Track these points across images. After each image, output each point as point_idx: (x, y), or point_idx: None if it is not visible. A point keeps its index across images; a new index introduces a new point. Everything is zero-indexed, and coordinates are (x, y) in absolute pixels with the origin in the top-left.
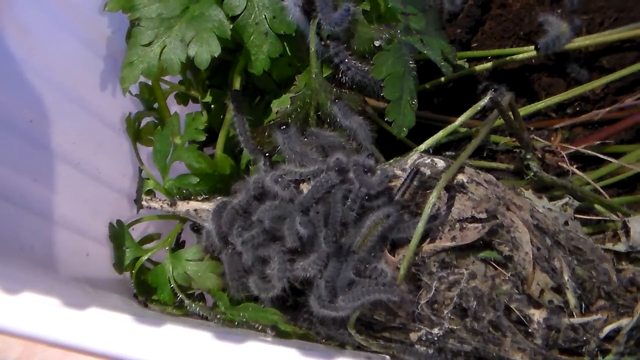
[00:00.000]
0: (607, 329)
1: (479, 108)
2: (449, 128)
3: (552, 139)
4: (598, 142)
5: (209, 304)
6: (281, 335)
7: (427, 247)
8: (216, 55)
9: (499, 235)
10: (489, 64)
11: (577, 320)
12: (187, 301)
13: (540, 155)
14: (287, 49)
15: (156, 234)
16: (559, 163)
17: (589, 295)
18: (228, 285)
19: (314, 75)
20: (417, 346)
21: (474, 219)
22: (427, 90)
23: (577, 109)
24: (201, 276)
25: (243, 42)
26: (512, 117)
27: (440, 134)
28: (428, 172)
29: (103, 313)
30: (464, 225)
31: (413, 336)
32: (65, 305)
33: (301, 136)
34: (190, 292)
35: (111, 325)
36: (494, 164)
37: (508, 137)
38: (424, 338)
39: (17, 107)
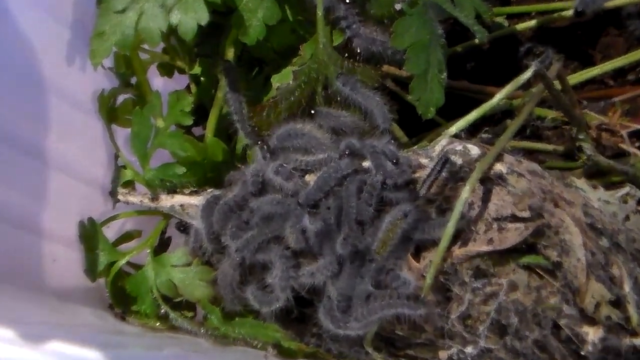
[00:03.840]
0: None
1: (520, 83)
2: (484, 107)
3: (610, 113)
4: None
5: (198, 316)
6: (285, 354)
7: (458, 251)
8: (203, 23)
9: (546, 238)
10: (532, 22)
11: None
12: (172, 314)
13: (595, 135)
14: (288, 12)
15: (136, 231)
16: (618, 144)
17: None
18: (221, 296)
19: (321, 45)
20: None
21: (514, 218)
22: (458, 54)
23: None
24: (189, 285)
25: (235, 5)
26: (560, 90)
27: (473, 115)
28: (459, 161)
29: (68, 351)
30: (503, 226)
31: (442, 355)
32: (21, 339)
33: (307, 117)
34: (177, 302)
35: None
36: (538, 145)
37: (556, 111)
38: (455, 357)
39: None
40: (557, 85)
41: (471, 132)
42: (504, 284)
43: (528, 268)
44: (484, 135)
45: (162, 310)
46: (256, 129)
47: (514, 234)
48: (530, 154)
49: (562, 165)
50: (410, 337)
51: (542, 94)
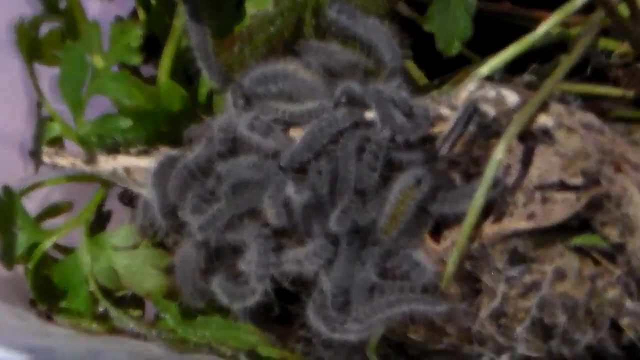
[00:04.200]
0: None
1: (577, 6)
2: (527, 39)
3: None
4: None
5: (149, 315)
6: None
7: (489, 229)
8: None
9: (604, 212)
10: None
11: None
12: (114, 311)
13: None
14: None
15: (65, 202)
16: None
17: None
18: (179, 288)
19: None
20: None
21: (563, 186)
22: None
23: None
24: (136, 273)
25: None
26: (631, 16)
27: (513, 49)
28: (492, 112)
29: None
30: (548, 196)
31: None
32: None
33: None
34: (120, 296)
35: None
36: (601, 89)
37: (626, 44)
38: None
39: None
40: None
41: (509, 72)
42: (548, 272)
43: (580, 251)
44: (527, 77)
45: (101, 308)
46: (225, 68)
47: (562, 207)
48: (589, 101)
49: (632, 115)
50: (427, 343)
51: (605, 21)
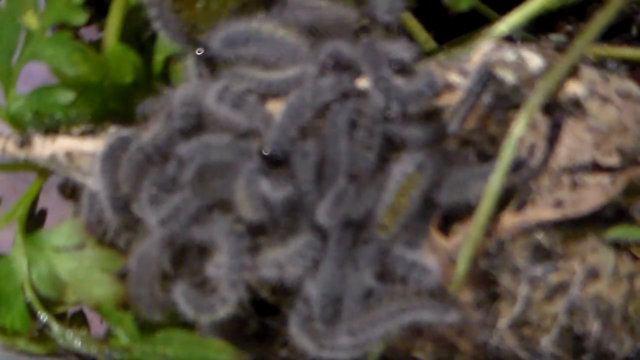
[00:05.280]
0: None
1: None
2: None
3: None
4: None
5: (98, 330)
6: None
7: (508, 220)
8: None
9: None
10: None
11: None
12: (56, 327)
13: None
14: None
15: None
16: None
17: None
18: (133, 298)
19: None
20: None
21: (596, 167)
22: None
23: None
24: (83, 279)
25: None
26: None
27: (535, 4)
28: (511, 79)
29: None
30: (578, 180)
31: None
32: None
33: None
34: (63, 309)
35: None
36: None
37: None
38: None
39: None
40: None
41: (532, 31)
42: (578, 271)
43: (616, 245)
44: (553, 37)
45: (41, 322)
46: (187, 29)
47: (594, 193)
48: (627, 65)
49: None
50: None
51: None
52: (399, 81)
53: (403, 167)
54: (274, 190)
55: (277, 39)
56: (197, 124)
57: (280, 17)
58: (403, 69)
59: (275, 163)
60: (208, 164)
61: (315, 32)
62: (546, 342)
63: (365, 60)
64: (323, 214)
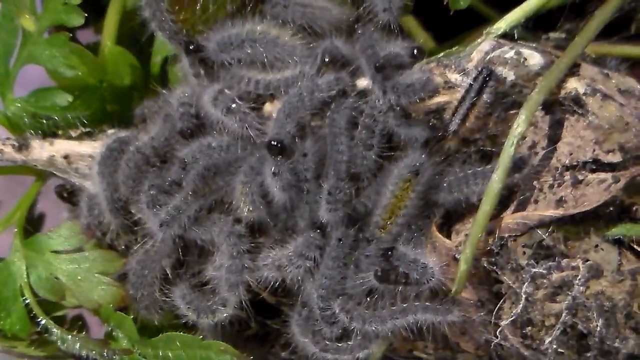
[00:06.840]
0: None
1: None
2: None
3: None
4: None
5: (98, 333)
6: None
7: (509, 219)
8: None
9: None
10: None
11: None
12: (56, 330)
13: None
14: None
15: None
16: None
17: None
18: (133, 300)
19: None
20: None
21: (598, 165)
22: None
23: None
24: (82, 281)
25: None
26: None
27: (535, 1)
28: (511, 76)
29: None
30: (580, 177)
31: None
32: None
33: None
34: (62, 312)
35: None
36: None
37: None
38: None
39: None
40: None
41: (531, 29)
42: (581, 269)
43: (619, 243)
44: (552, 35)
45: (41, 325)
46: (184, 31)
47: (596, 191)
48: (633, 65)
49: None
50: None
51: None
52: (396, 77)
53: (408, 162)
54: (277, 186)
55: (272, 40)
56: (196, 125)
57: (276, 18)
58: (399, 68)
59: (276, 160)
60: (208, 166)
61: (310, 31)
62: (550, 340)
63: (363, 57)
64: (324, 209)
